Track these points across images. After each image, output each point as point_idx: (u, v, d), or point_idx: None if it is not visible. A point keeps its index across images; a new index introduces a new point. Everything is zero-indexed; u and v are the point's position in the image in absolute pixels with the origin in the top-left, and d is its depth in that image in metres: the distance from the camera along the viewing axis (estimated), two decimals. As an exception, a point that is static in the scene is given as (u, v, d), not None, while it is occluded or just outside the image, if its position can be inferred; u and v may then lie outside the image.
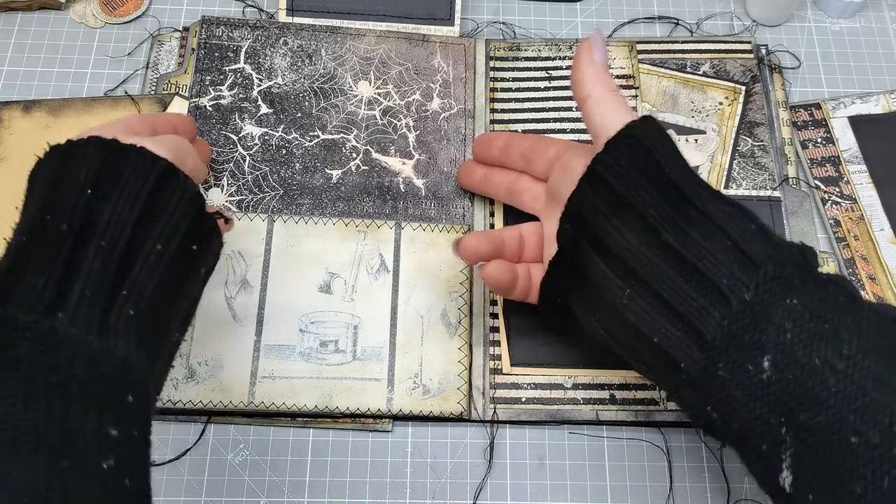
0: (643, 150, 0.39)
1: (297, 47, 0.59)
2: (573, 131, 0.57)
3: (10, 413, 0.29)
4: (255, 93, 0.57)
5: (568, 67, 0.60)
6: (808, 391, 0.33)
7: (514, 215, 0.54)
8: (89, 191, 0.35)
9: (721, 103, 0.58)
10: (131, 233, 0.35)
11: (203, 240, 0.40)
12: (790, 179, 0.56)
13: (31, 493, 0.28)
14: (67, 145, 0.37)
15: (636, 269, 0.38)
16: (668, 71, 0.60)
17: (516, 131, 0.57)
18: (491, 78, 0.59)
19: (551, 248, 0.44)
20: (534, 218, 0.51)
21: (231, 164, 0.55)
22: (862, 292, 0.53)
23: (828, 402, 0.33)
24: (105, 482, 0.30)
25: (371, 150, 0.56)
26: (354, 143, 0.56)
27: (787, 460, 0.34)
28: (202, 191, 0.48)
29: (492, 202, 0.55)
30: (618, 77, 0.59)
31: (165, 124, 0.47)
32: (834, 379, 0.33)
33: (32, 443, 0.28)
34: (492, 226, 0.54)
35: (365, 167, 0.55)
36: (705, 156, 0.57)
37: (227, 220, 0.43)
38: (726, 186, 0.55)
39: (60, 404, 0.30)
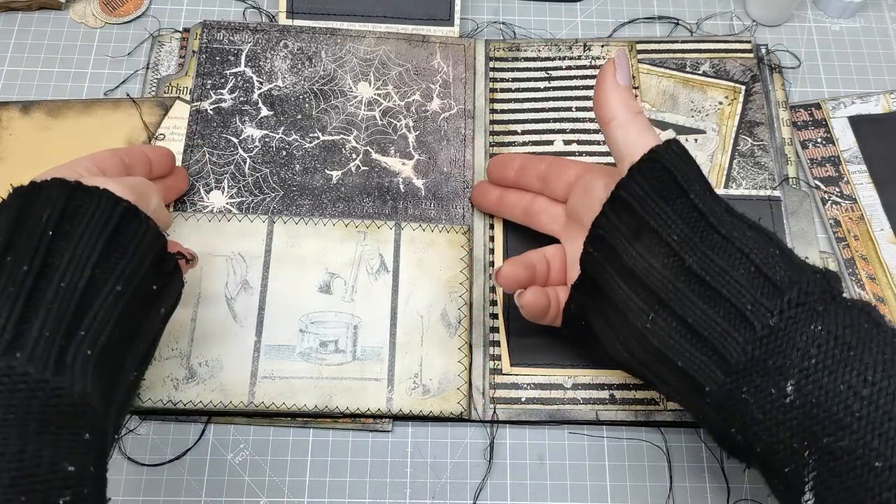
0: (667, 175, 0.40)
1: (298, 50, 0.59)
2: (573, 131, 0.57)
3: None
4: (255, 96, 0.57)
5: (568, 67, 0.60)
6: (833, 416, 0.34)
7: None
8: (50, 232, 0.36)
9: (721, 103, 0.58)
10: (91, 274, 0.36)
11: (164, 280, 0.41)
12: (790, 179, 0.56)
13: None
14: (30, 187, 0.38)
15: (659, 294, 0.39)
16: (667, 71, 0.60)
17: (516, 131, 0.57)
18: (491, 78, 0.59)
19: (574, 271, 0.45)
20: (551, 239, 0.51)
21: (232, 167, 0.55)
22: (861, 292, 0.53)
23: (852, 426, 0.33)
24: None
25: (371, 150, 0.56)
26: (354, 143, 0.56)
27: (809, 482, 0.35)
28: (165, 233, 0.48)
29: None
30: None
31: (139, 157, 0.48)
32: (858, 405, 0.33)
33: None
34: (491, 226, 0.54)
35: (365, 168, 0.55)
36: (705, 155, 0.57)
37: (189, 260, 0.44)
38: (726, 186, 0.55)
39: (17, 441, 0.30)
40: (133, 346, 0.39)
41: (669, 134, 0.57)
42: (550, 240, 0.51)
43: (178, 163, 0.54)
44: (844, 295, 0.38)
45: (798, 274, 0.37)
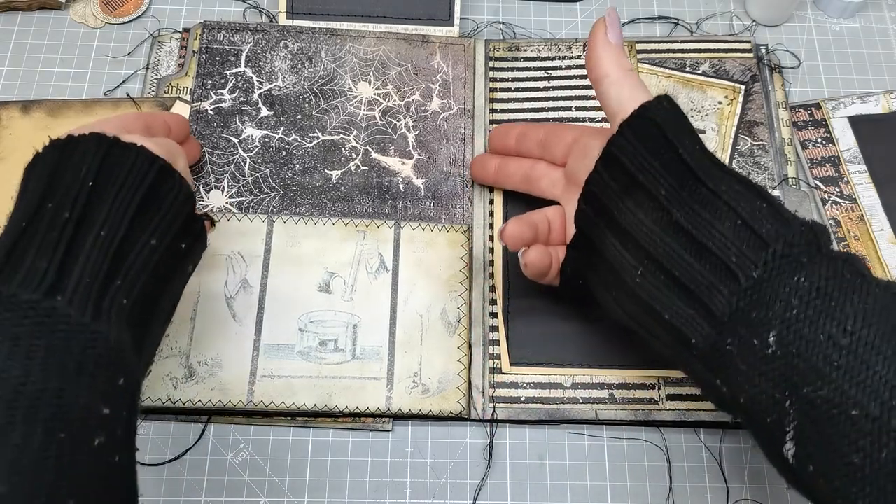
0: (657, 130, 0.40)
1: (298, 50, 0.59)
2: (573, 131, 0.57)
3: (9, 386, 0.30)
4: (255, 96, 0.57)
5: (567, 67, 0.60)
6: (812, 366, 0.34)
7: (516, 207, 0.54)
8: (90, 183, 0.36)
9: (720, 103, 0.58)
10: (128, 226, 0.36)
11: (192, 239, 0.41)
12: (790, 179, 0.56)
13: (29, 461, 0.29)
14: (67, 139, 0.38)
15: (648, 248, 0.40)
16: (667, 70, 0.60)
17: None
18: (490, 78, 0.59)
19: (573, 231, 0.46)
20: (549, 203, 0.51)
21: (231, 167, 0.55)
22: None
23: (830, 376, 0.34)
24: (96, 457, 0.31)
25: (371, 150, 0.56)
26: (354, 143, 0.56)
27: (790, 432, 0.35)
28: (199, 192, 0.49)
29: (491, 202, 0.55)
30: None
31: (160, 123, 0.49)
32: (837, 354, 0.34)
33: (30, 416, 0.30)
34: (491, 226, 0.54)
35: (364, 167, 0.55)
36: (705, 155, 0.57)
37: (213, 223, 0.45)
38: (726, 186, 0.55)
39: (56, 381, 0.31)
40: (161, 301, 0.39)
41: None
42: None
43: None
44: (833, 247, 0.39)
45: (785, 227, 0.37)
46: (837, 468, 0.33)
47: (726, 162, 0.56)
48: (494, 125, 0.57)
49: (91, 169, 0.37)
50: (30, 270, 0.33)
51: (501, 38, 0.62)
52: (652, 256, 0.40)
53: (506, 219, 0.54)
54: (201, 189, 0.54)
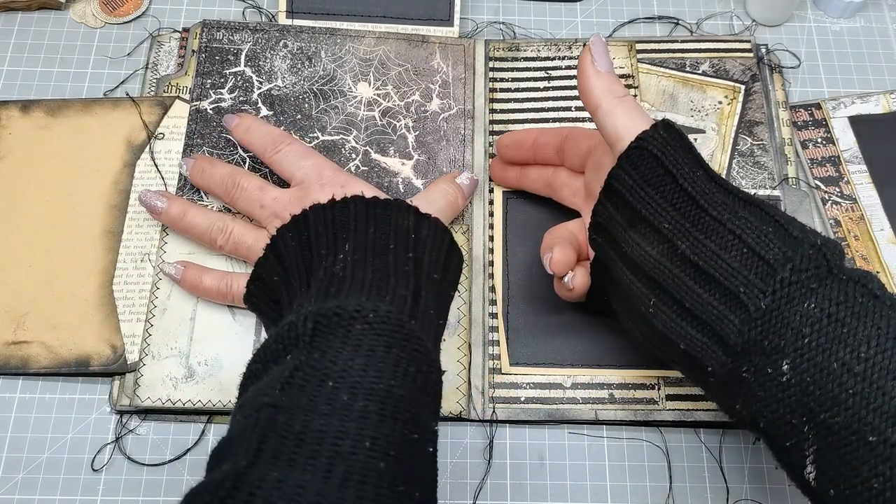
0: (655, 161, 0.40)
1: (297, 49, 0.59)
2: (573, 131, 0.57)
3: (384, 387, 0.34)
4: (255, 95, 0.57)
5: (567, 67, 0.60)
6: (827, 393, 0.34)
7: (516, 207, 0.54)
8: (413, 235, 0.42)
9: (720, 102, 0.58)
10: (443, 272, 0.42)
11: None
12: (790, 179, 0.56)
13: (395, 449, 0.33)
14: (383, 204, 0.43)
15: (658, 279, 0.40)
16: (667, 70, 0.60)
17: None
18: (490, 78, 0.59)
19: None
20: (551, 222, 0.51)
21: (231, 165, 0.55)
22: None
23: (846, 402, 0.34)
24: (431, 463, 0.35)
25: (370, 150, 0.56)
26: (354, 143, 0.56)
27: (810, 456, 0.35)
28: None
29: (491, 202, 0.55)
30: (618, 76, 0.59)
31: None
32: (852, 381, 0.34)
33: (396, 414, 0.34)
34: (491, 226, 0.54)
35: (364, 168, 0.55)
36: (705, 155, 0.57)
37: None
38: (726, 186, 0.55)
39: (411, 393, 0.35)
40: (442, 323, 0.43)
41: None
42: (550, 223, 0.51)
43: (177, 161, 0.55)
44: (846, 264, 0.38)
45: (793, 249, 0.37)
46: (858, 493, 0.33)
47: (727, 162, 0.56)
48: (495, 125, 0.57)
49: (410, 225, 0.42)
50: (398, 298, 0.38)
51: (501, 38, 0.62)
52: (662, 287, 0.40)
53: (506, 219, 0.54)
54: (201, 189, 0.54)
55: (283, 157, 0.50)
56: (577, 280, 0.47)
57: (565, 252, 0.47)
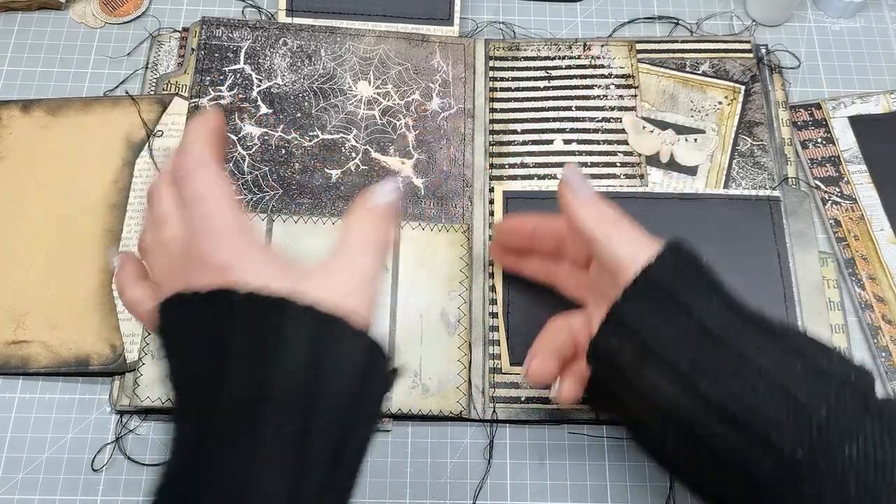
0: (664, 293, 0.37)
1: (297, 48, 0.59)
2: (573, 130, 0.57)
3: None
4: (254, 93, 0.57)
5: (567, 67, 0.60)
6: None
7: (516, 206, 0.54)
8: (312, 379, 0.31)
9: (720, 103, 0.58)
10: (347, 434, 0.32)
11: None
12: (790, 179, 0.56)
13: None
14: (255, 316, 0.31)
15: (675, 418, 0.37)
16: (667, 70, 0.60)
17: (516, 130, 0.57)
18: (490, 78, 0.59)
19: None
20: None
21: (230, 164, 0.55)
22: (861, 292, 0.53)
23: None
24: None
25: (370, 149, 0.56)
26: (354, 142, 0.56)
27: None
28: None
29: (491, 202, 0.55)
30: (617, 77, 0.59)
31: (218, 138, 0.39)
32: None
33: None
34: (490, 226, 0.54)
35: (364, 167, 0.55)
36: (705, 155, 0.57)
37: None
38: (725, 186, 0.55)
39: None
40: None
41: (669, 135, 0.57)
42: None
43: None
44: (878, 391, 0.36)
45: (825, 386, 0.34)
46: None
47: (727, 163, 0.56)
48: (495, 125, 0.57)
49: (301, 364, 0.30)
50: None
51: (501, 37, 0.62)
52: (680, 425, 0.36)
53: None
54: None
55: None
56: (564, 392, 0.43)
57: (544, 364, 0.43)
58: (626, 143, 0.57)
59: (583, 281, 0.46)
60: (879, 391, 0.36)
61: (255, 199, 0.54)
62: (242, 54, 0.58)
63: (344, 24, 0.60)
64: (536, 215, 0.49)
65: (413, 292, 0.51)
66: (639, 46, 0.60)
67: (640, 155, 0.57)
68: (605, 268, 0.40)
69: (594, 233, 0.40)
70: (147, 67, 0.59)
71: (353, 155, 0.56)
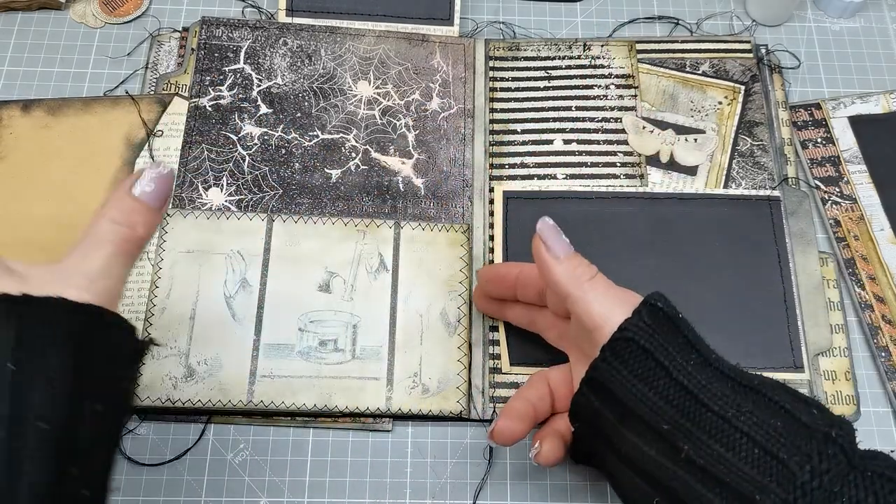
0: (642, 353, 0.37)
1: (297, 47, 0.59)
2: (573, 130, 0.57)
3: None
4: (254, 93, 0.57)
5: (567, 67, 0.60)
6: None
7: (516, 207, 0.54)
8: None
9: (720, 103, 0.58)
10: (69, 413, 0.32)
11: (135, 371, 0.38)
12: (789, 179, 0.56)
13: None
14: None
15: (662, 482, 0.36)
16: (667, 70, 0.60)
17: (516, 130, 0.57)
18: (490, 78, 0.59)
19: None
20: None
21: (230, 164, 0.55)
22: (861, 292, 0.53)
23: None
24: None
25: (370, 149, 0.56)
26: (354, 142, 0.56)
27: None
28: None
29: (491, 202, 0.55)
30: (618, 77, 0.59)
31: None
32: None
33: None
34: (491, 226, 0.54)
35: (364, 167, 0.55)
36: (704, 155, 0.57)
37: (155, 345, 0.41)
38: (725, 186, 0.55)
39: None
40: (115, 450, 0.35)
41: (669, 135, 0.57)
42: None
43: (177, 159, 0.54)
44: (859, 442, 0.36)
45: (807, 443, 0.34)
46: None
47: (727, 163, 0.56)
48: (495, 125, 0.57)
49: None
50: None
51: (501, 37, 0.62)
52: (667, 490, 0.36)
53: (506, 219, 0.54)
54: (200, 187, 0.54)
55: None
56: (544, 454, 0.42)
57: (510, 424, 0.43)
58: (626, 143, 0.57)
59: (563, 331, 0.46)
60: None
61: (255, 198, 0.54)
62: (242, 54, 0.58)
63: (344, 23, 0.60)
64: (519, 264, 0.48)
65: (413, 292, 0.51)
66: (639, 46, 0.60)
67: (640, 155, 0.57)
68: (581, 325, 0.40)
69: (569, 290, 0.40)
70: (147, 67, 0.59)
71: (353, 155, 0.56)
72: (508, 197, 0.55)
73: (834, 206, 0.56)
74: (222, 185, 0.54)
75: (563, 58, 0.60)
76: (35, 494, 0.29)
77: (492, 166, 0.56)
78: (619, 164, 0.56)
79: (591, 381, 0.38)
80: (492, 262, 0.53)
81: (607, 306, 0.39)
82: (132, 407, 0.38)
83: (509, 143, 0.57)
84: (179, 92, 0.57)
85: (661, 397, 0.36)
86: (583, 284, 0.40)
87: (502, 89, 0.59)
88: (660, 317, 0.38)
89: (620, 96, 0.59)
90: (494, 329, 0.51)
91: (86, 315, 0.33)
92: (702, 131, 0.57)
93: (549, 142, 0.57)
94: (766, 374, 0.51)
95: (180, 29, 0.60)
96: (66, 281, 0.33)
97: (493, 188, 0.55)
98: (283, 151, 0.55)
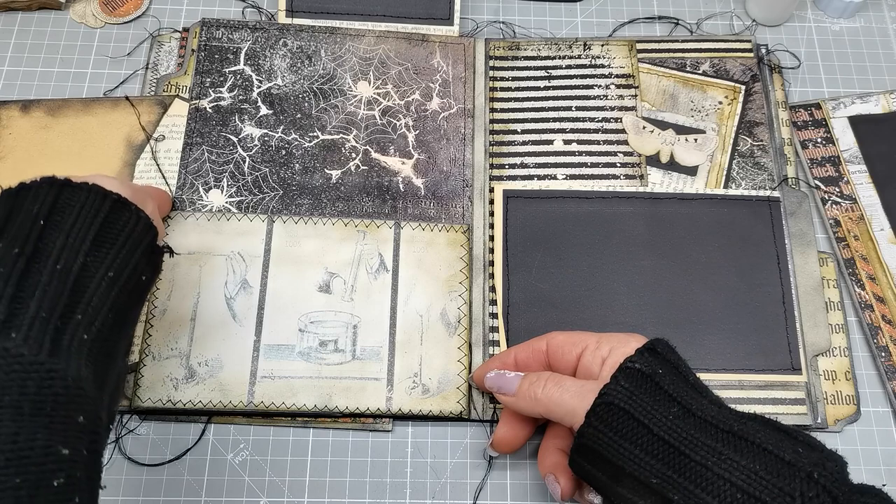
0: (624, 415, 0.39)
1: (297, 48, 0.59)
2: (573, 130, 0.57)
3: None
4: (254, 94, 0.57)
5: (568, 67, 0.60)
6: None
7: (516, 207, 0.54)
8: (41, 222, 0.37)
9: (721, 103, 0.58)
10: (84, 259, 0.37)
11: (151, 270, 0.42)
12: (789, 179, 0.56)
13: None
14: (19, 187, 0.38)
15: None
16: (667, 70, 0.60)
17: (516, 130, 0.57)
18: (490, 77, 0.59)
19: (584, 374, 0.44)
20: None
21: (231, 166, 0.55)
22: (861, 292, 0.53)
23: None
24: (56, 500, 0.31)
25: (370, 149, 0.56)
26: (354, 143, 0.56)
27: None
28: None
29: (491, 202, 0.55)
30: (618, 77, 0.59)
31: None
32: None
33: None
34: (491, 226, 0.54)
35: (364, 167, 0.55)
36: (704, 155, 0.57)
37: (172, 254, 0.45)
38: (725, 186, 0.55)
39: (11, 423, 0.31)
40: (124, 331, 0.39)
41: (669, 135, 0.57)
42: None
43: (177, 161, 0.55)
44: (849, 475, 0.36)
45: (791, 482, 0.35)
46: None
47: (727, 163, 0.56)
48: (495, 124, 0.57)
49: (42, 209, 0.37)
50: (30, 320, 0.33)
51: (501, 37, 0.62)
52: None
53: (506, 219, 0.54)
54: (200, 188, 0.54)
55: None
56: (563, 488, 0.44)
57: (510, 430, 0.46)
58: (626, 143, 0.57)
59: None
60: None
61: (255, 199, 0.54)
62: (242, 55, 0.58)
63: (344, 24, 0.60)
64: (514, 348, 0.48)
65: (413, 292, 0.51)
66: (639, 46, 0.60)
67: (640, 155, 0.57)
68: (564, 421, 0.42)
69: (541, 407, 0.42)
70: (147, 68, 0.59)
71: (353, 155, 0.56)
72: (508, 196, 0.55)
73: (834, 206, 0.56)
74: (223, 186, 0.54)
75: (563, 58, 0.60)
76: (40, 311, 0.33)
77: (492, 166, 0.56)
78: (619, 164, 0.56)
79: (580, 447, 0.40)
80: (492, 262, 0.53)
81: (581, 392, 0.41)
82: (144, 299, 0.42)
83: (509, 143, 0.57)
84: (180, 93, 0.57)
85: (646, 453, 0.38)
86: (539, 398, 0.43)
87: (502, 89, 0.59)
88: (637, 378, 0.40)
89: (620, 96, 0.59)
90: (494, 329, 0.51)
91: (112, 202, 0.39)
92: (702, 131, 0.57)
93: (549, 142, 0.57)
94: (764, 375, 0.51)
95: (180, 29, 0.60)
96: (110, 182, 0.40)
97: (493, 188, 0.55)
98: (284, 152, 0.55)
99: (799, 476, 0.35)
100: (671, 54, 0.60)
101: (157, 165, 0.54)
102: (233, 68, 0.58)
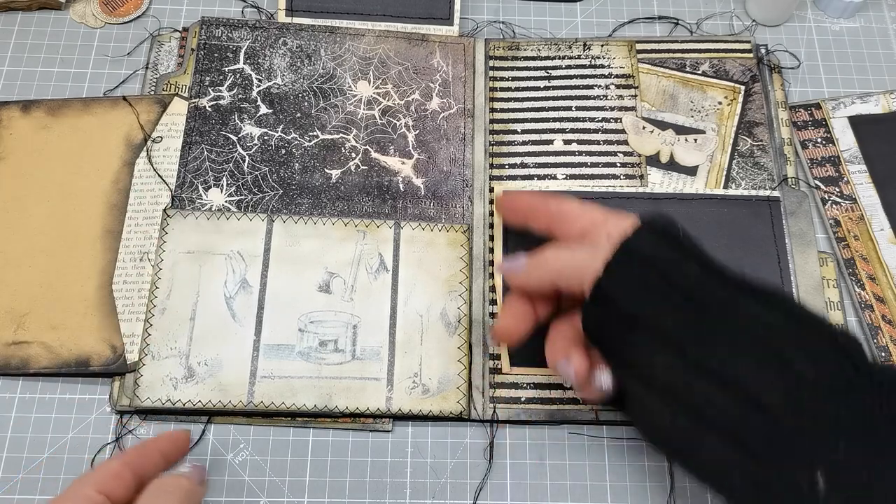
0: (645, 263, 0.38)
1: (297, 47, 0.59)
2: (573, 130, 0.57)
3: None
4: (254, 93, 0.57)
5: (567, 67, 0.60)
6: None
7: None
8: None
9: (720, 103, 0.58)
10: None
11: None
12: (789, 179, 0.56)
13: None
14: None
15: (671, 390, 0.37)
16: (667, 70, 0.60)
17: (516, 130, 0.57)
18: (490, 77, 0.59)
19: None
20: None
21: (230, 165, 0.55)
22: (861, 292, 0.53)
23: None
24: None
25: (370, 149, 0.56)
26: (354, 142, 0.56)
27: None
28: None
29: (491, 202, 0.55)
30: (617, 77, 0.59)
31: (151, 460, 0.41)
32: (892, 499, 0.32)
33: None
34: (491, 226, 0.54)
35: (364, 167, 0.55)
36: (704, 155, 0.57)
37: None
38: (725, 186, 0.55)
39: None
40: None
41: (669, 135, 0.57)
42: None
43: (176, 160, 0.54)
44: (868, 356, 0.36)
45: (811, 341, 0.35)
46: None
47: (727, 163, 0.56)
48: (495, 125, 0.57)
49: None
50: None
51: (501, 37, 0.62)
52: (675, 396, 0.37)
53: (506, 228, 0.54)
54: (200, 187, 0.54)
55: None
56: (576, 364, 0.43)
57: (510, 325, 0.46)
58: (626, 143, 0.57)
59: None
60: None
61: (255, 199, 0.54)
62: (242, 54, 0.58)
63: (344, 23, 0.60)
64: (533, 195, 0.50)
65: (413, 292, 0.51)
66: (639, 46, 0.60)
67: (640, 155, 0.57)
68: (574, 282, 0.42)
69: (552, 270, 0.43)
70: (147, 67, 0.59)
71: (353, 155, 0.56)
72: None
73: (834, 206, 0.56)
74: (222, 185, 0.54)
75: (563, 58, 0.60)
76: None
77: (492, 166, 0.56)
78: (619, 165, 0.56)
79: (597, 296, 0.40)
80: (492, 262, 0.53)
81: (582, 252, 0.41)
82: None
83: (509, 143, 0.57)
84: (179, 92, 0.57)
85: (664, 303, 0.37)
86: (549, 259, 0.43)
87: (502, 89, 0.59)
88: (658, 232, 0.40)
89: (620, 96, 0.59)
90: (494, 329, 0.51)
91: None
92: (702, 131, 0.57)
93: (549, 142, 0.57)
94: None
95: (180, 29, 0.60)
96: None
97: (493, 188, 0.55)
98: (283, 152, 0.55)
99: (821, 336, 0.35)
100: (671, 54, 0.60)
101: (153, 167, 0.54)
102: (232, 67, 0.58)
